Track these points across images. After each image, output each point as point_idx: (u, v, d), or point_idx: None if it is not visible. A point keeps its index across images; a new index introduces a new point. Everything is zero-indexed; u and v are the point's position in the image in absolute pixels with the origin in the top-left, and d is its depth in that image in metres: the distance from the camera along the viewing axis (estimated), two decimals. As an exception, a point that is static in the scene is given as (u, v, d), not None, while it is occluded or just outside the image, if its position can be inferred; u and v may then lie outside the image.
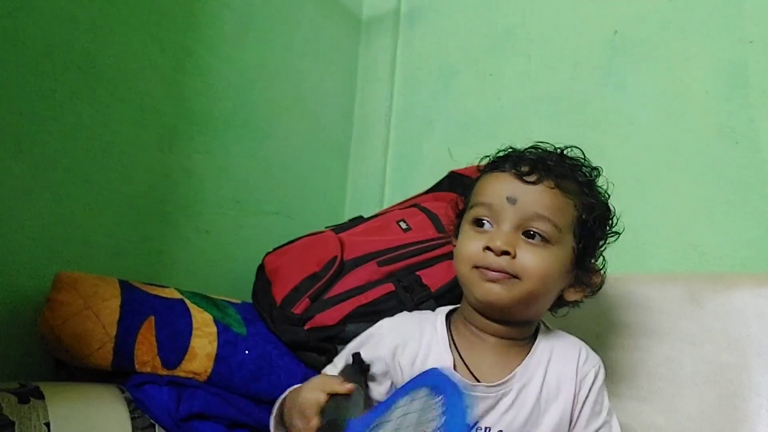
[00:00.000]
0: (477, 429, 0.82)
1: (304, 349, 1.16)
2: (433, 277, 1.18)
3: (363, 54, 1.70)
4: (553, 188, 0.82)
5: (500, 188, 0.83)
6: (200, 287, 1.24)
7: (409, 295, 1.16)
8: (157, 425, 1.03)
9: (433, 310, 1.15)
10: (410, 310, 1.15)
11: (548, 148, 0.88)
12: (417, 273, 1.19)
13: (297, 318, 1.15)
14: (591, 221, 0.83)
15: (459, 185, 1.31)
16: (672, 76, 1.18)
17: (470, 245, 0.83)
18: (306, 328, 1.15)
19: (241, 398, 1.09)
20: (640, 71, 1.23)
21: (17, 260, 1.11)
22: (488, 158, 0.91)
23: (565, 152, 0.87)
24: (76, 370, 1.07)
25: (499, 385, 0.83)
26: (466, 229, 0.86)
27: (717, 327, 0.91)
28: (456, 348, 0.86)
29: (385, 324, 0.92)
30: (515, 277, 0.80)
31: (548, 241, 0.81)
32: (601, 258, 0.86)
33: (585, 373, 0.85)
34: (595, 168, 0.87)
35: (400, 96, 1.63)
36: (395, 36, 1.65)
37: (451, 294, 1.18)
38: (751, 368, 0.85)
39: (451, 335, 0.88)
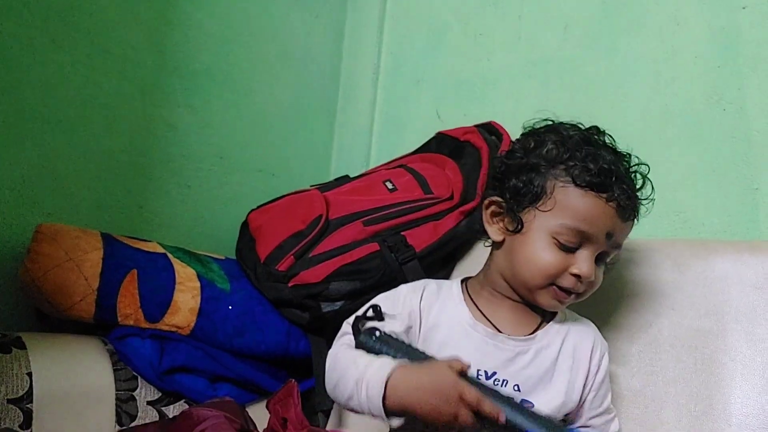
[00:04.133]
0: (495, 380, 0.83)
1: (287, 305, 1.16)
2: (419, 238, 1.18)
3: (351, 9, 1.67)
4: (634, 219, 0.85)
5: (603, 223, 0.81)
6: (182, 243, 1.24)
7: (393, 254, 1.17)
8: (139, 377, 1.03)
9: (419, 270, 1.17)
10: (394, 270, 1.16)
11: (602, 137, 0.87)
12: (402, 233, 1.19)
13: (281, 275, 1.15)
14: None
15: (447, 146, 1.31)
16: (663, 41, 1.18)
17: (553, 263, 0.82)
18: (290, 285, 1.15)
19: (224, 353, 1.10)
20: (630, 35, 1.22)
21: (-3, 210, 1.09)
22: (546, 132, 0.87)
23: (629, 156, 0.87)
24: (57, 322, 1.06)
25: (520, 339, 0.85)
26: (546, 240, 0.82)
27: (697, 293, 0.92)
28: (474, 303, 0.88)
29: (405, 287, 0.91)
30: (582, 293, 0.84)
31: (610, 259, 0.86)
32: None
33: (601, 355, 0.88)
34: (646, 174, 0.88)
35: (388, 54, 1.61)
36: (385, -9, 1.62)
37: (436, 254, 1.19)
38: (728, 334, 0.87)
39: (468, 294, 0.90)
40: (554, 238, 0.82)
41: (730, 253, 0.92)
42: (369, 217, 1.20)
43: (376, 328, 0.81)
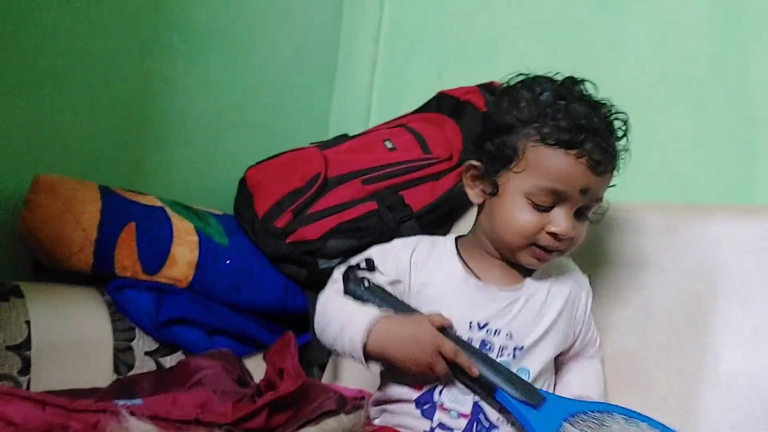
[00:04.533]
0: (487, 330, 0.85)
1: (285, 261, 1.17)
2: (417, 198, 1.19)
3: (353, -35, 1.64)
4: (612, 172, 0.84)
5: (575, 179, 0.80)
6: (180, 198, 1.23)
7: (391, 214, 1.17)
8: (137, 328, 1.04)
9: (416, 229, 1.18)
10: (392, 230, 1.16)
11: (580, 88, 0.85)
12: (400, 193, 1.19)
13: (279, 231, 1.16)
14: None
15: (448, 106, 1.30)
16: (667, 5, 1.17)
17: (529, 224, 0.82)
18: (288, 241, 1.15)
19: (221, 306, 1.11)
20: (635, -1, 1.21)
21: (-5, 160, 1.09)
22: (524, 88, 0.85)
23: (607, 105, 0.85)
24: (55, 273, 1.07)
25: (510, 290, 0.87)
26: (521, 201, 0.83)
27: (691, 256, 0.93)
28: (464, 261, 0.89)
29: (399, 241, 0.93)
30: (563, 249, 0.85)
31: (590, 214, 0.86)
32: None
33: (587, 294, 0.92)
34: (626, 121, 0.86)
35: (390, 13, 1.58)
36: (387, -54, 1.59)
37: (434, 214, 1.19)
38: (720, 297, 0.88)
39: (459, 251, 0.91)
40: (528, 198, 0.82)
41: (725, 217, 0.93)
42: (368, 175, 1.21)
43: (365, 278, 0.86)
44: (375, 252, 0.91)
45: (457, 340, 0.81)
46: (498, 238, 0.86)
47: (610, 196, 0.87)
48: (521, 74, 0.88)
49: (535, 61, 1.35)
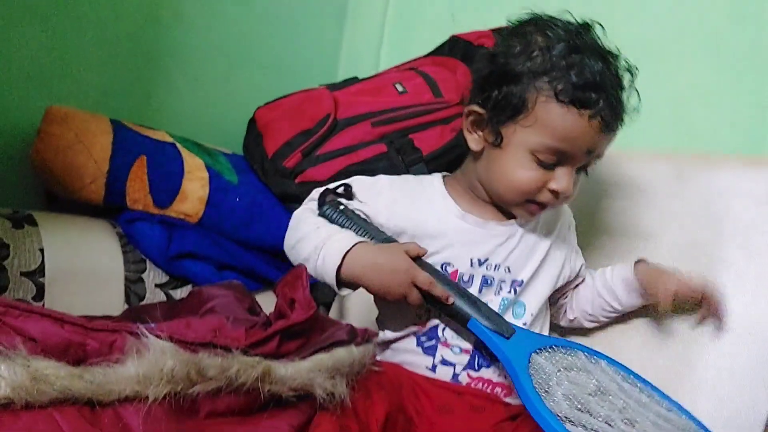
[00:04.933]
0: (488, 265, 0.86)
1: (293, 201, 1.17)
2: (426, 141, 1.18)
3: None
4: (619, 129, 0.82)
5: (584, 140, 0.79)
6: (189, 135, 1.23)
7: (400, 157, 1.17)
8: (147, 261, 1.06)
9: (425, 173, 1.18)
10: (401, 172, 1.16)
11: (592, 36, 0.82)
12: (410, 136, 1.19)
13: (288, 171, 1.16)
14: None
15: (460, 50, 1.29)
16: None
17: (530, 180, 0.81)
18: (297, 181, 1.16)
19: (230, 242, 1.12)
20: (655, -55, 1.18)
21: (6, 92, 1.09)
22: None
23: (618, 58, 0.82)
24: (66, 204, 1.08)
25: (507, 224, 0.88)
26: (525, 157, 0.80)
27: (698, 204, 0.93)
28: (455, 201, 0.89)
29: (385, 177, 0.93)
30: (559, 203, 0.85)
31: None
32: None
33: (566, 219, 0.94)
34: (633, 68, 0.84)
35: (404, -50, 1.55)
36: None
37: (443, 159, 1.19)
38: (725, 245, 0.89)
39: (448, 190, 0.91)
40: (533, 155, 0.80)
41: (734, 167, 0.93)
42: (377, 118, 1.20)
43: (341, 203, 0.86)
44: (357, 181, 0.91)
45: (432, 271, 0.81)
46: (494, 190, 0.86)
47: (617, 142, 0.86)
48: (532, 13, 0.84)
49: (552, 5, 1.33)
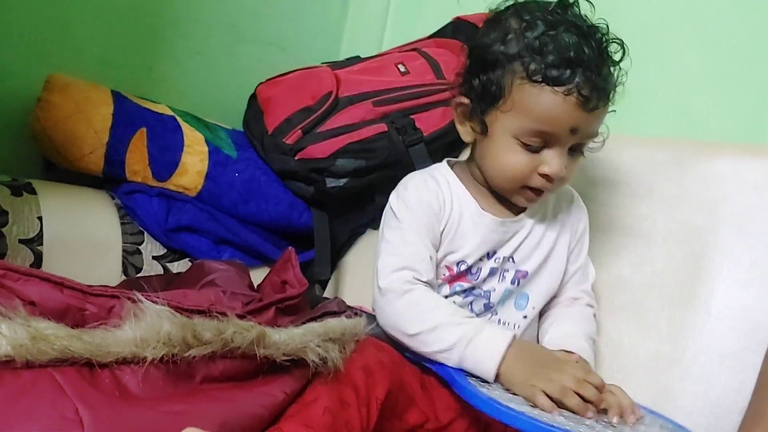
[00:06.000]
0: (495, 258, 0.87)
1: (292, 178, 1.18)
2: (427, 122, 1.19)
3: None
4: (606, 106, 0.80)
5: (564, 119, 0.76)
6: (190, 109, 1.23)
7: (401, 137, 1.18)
8: (145, 233, 1.06)
9: (425, 153, 1.18)
10: (400, 152, 1.17)
11: (572, 13, 0.79)
12: (411, 116, 1.19)
13: (288, 148, 1.16)
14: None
15: (464, 32, 1.29)
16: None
17: (520, 165, 0.80)
18: (296, 158, 1.16)
19: (229, 217, 1.13)
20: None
21: (6, 59, 1.08)
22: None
23: (601, 33, 0.79)
24: (65, 174, 1.08)
25: (517, 221, 0.88)
26: (510, 142, 0.80)
27: (695, 190, 0.93)
28: (472, 196, 0.88)
29: (416, 188, 0.88)
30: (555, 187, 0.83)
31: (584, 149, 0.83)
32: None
33: (579, 218, 0.93)
34: (621, 42, 0.81)
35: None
36: None
37: (443, 140, 1.19)
38: (721, 230, 0.89)
39: (464, 185, 0.90)
40: (517, 139, 0.79)
41: (732, 154, 0.93)
42: (379, 97, 1.20)
43: None
44: (400, 206, 0.86)
45: None
46: (491, 179, 0.86)
47: (617, 130, 0.87)
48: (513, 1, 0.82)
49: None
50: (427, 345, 0.78)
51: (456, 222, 0.87)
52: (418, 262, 0.82)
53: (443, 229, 0.86)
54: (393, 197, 0.89)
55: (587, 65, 0.76)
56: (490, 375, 0.74)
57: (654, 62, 1.11)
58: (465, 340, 0.75)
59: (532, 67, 0.76)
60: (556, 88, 0.76)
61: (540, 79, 0.76)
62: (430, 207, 0.86)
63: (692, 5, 1.13)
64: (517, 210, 0.89)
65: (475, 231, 0.86)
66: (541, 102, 0.77)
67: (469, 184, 0.89)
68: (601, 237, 0.98)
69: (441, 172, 0.91)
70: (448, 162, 0.93)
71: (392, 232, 0.85)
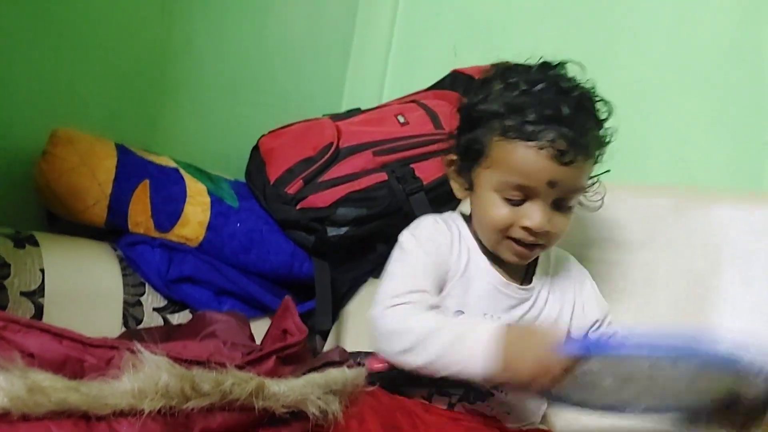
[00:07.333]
0: (494, 317, 0.85)
1: (294, 227, 1.19)
2: (427, 171, 1.20)
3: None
4: (586, 160, 0.81)
5: (539, 173, 0.78)
6: (192, 161, 1.25)
7: (401, 185, 1.19)
8: (147, 284, 1.06)
9: (425, 202, 1.19)
10: (401, 200, 1.18)
11: (554, 73, 0.82)
12: (411, 166, 1.21)
13: (290, 197, 1.17)
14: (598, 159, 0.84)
15: (461, 84, 1.31)
16: (686, -9, 1.17)
17: (501, 217, 0.81)
18: (298, 207, 1.17)
19: (230, 268, 1.13)
20: (653, -19, 1.21)
21: (13, 113, 1.10)
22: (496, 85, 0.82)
23: (582, 91, 0.81)
24: (67, 227, 1.09)
25: (525, 289, 0.87)
26: (492, 197, 0.81)
27: (696, 235, 0.94)
28: (482, 251, 0.88)
29: (430, 227, 0.89)
30: (543, 243, 0.83)
31: (572, 205, 0.83)
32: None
33: (582, 280, 0.92)
34: (606, 102, 0.83)
35: (408, -15, 1.59)
36: None
37: (443, 188, 1.20)
38: (722, 274, 0.89)
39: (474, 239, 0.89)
40: (498, 193, 0.81)
41: (732, 201, 0.94)
42: (379, 147, 1.22)
43: None
44: (410, 241, 0.87)
45: None
46: (480, 235, 0.86)
47: (616, 179, 0.87)
48: (499, 63, 0.86)
49: (551, 42, 1.36)
50: (419, 360, 0.76)
51: (461, 270, 0.86)
52: (415, 293, 0.81)
53: (448, 273, 0.86)
54: (404, 233, 0.89)
55: (564, 121, 0.77)
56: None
57: (652, 112, 1.14)
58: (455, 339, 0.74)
59: (508, 123, 0.79)
60: (529, 142, 0.78)
61: (514, 136, 0.78)
62: (440, 248, 0.86)
63: (687, 56, 1.16)
64: (521, 279, 0.88)
65: (480, 284, 0.86)
66: (516, 156, 0.79)
67: (478, 240, 0.89)
68: (602, 282, 0.98)
69: (454, 220, 0.92)
70: (462, 213, 0.94)
71: (397, 264, 0.86)
